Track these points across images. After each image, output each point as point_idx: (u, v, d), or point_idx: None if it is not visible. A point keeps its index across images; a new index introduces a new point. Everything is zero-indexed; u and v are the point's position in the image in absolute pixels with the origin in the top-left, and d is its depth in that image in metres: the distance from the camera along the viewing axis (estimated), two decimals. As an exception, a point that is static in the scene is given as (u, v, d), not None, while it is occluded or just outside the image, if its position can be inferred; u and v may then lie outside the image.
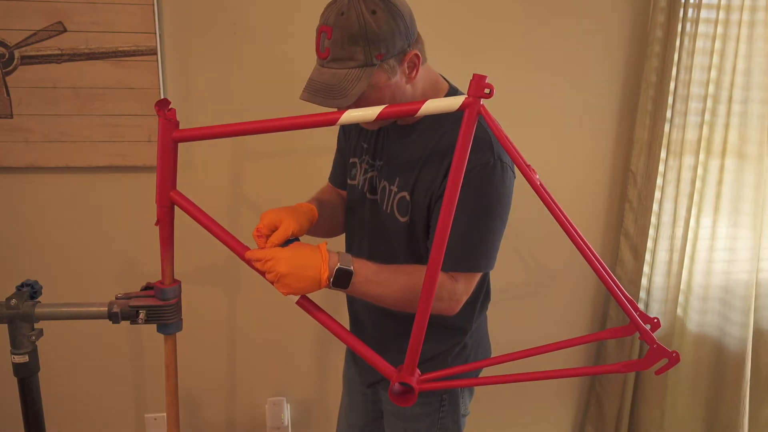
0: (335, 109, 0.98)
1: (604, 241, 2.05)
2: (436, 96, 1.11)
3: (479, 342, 1.30)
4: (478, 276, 1.11)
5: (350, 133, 1.29)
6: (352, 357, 1.41)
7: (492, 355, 1.34)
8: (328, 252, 0.99)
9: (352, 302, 1.35)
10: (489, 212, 1.05)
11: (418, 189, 1.10)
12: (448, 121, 1.07)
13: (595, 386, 2.16)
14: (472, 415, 1.32)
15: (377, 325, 1.27)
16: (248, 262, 0.99)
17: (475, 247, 1.07)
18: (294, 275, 0.95)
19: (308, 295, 1.02)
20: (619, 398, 2.10)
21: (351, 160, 1.27)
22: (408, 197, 1.11)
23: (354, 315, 1.35)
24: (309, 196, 1.45)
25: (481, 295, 1.25)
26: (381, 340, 1.20)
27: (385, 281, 1.03)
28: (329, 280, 0.98)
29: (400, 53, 1.00)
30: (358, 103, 1.02)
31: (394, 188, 1.13)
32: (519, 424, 2.20)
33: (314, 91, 1.00)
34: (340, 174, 1.35)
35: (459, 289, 1.07)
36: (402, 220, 1.13)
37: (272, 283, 0.97)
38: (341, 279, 0.99)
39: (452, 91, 1.14)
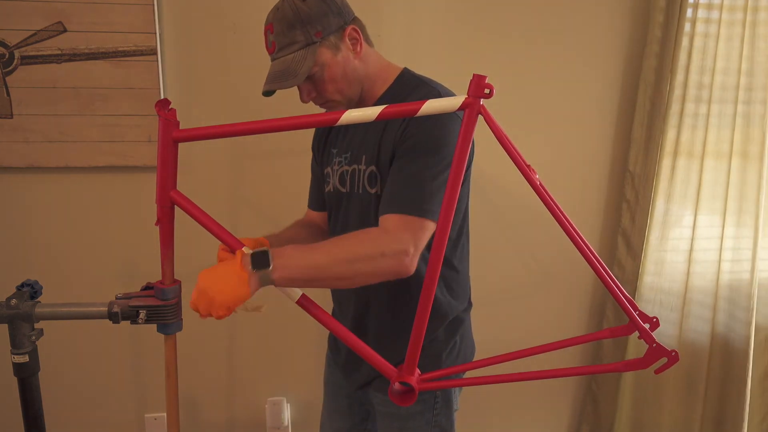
0: (292, 89, 1.09)
1: (602, 240, 2.05)
2: (388, 76, 1.18)
3: (464, 336, 1.31)
4: (422, 225, 1.01)
5: (322, 146, 1.31)
6: (334, 361, 1.40)
7: (475, 352, 1.35)
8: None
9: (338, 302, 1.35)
10: (433, 155, 1.04)
11: (381, 158, 1.12)
12: (405, 97, 1.13)
13: (591, 386, 2.16)
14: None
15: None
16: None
17: (417, 189, 1.02)
18: (213, 287, 0.90)
19: (309, 295, 1.02)
20: (615, 397, 2.10)
21: (325, 171, 1.29)
22: (375, 169, 1.14)
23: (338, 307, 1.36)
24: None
25: (461, 284, 1.27)
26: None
27: (313, 249, 0.97)
28: (250, 269, 0.91)
29: (338, 29, 1.10)
30: (315, 84, 1.11)
31: (362, 166, 1.16)
32: (515, 423, 2.19)
33: (270, 80, 1.10)
34: (315, 196, 1.40)
35: (404, 237, 0.98)
36: (372, 191, 1.15)
37: (203, 315, 0.92)
38: (259, 260, 0.92)
39: (406, 73, 1.19)
